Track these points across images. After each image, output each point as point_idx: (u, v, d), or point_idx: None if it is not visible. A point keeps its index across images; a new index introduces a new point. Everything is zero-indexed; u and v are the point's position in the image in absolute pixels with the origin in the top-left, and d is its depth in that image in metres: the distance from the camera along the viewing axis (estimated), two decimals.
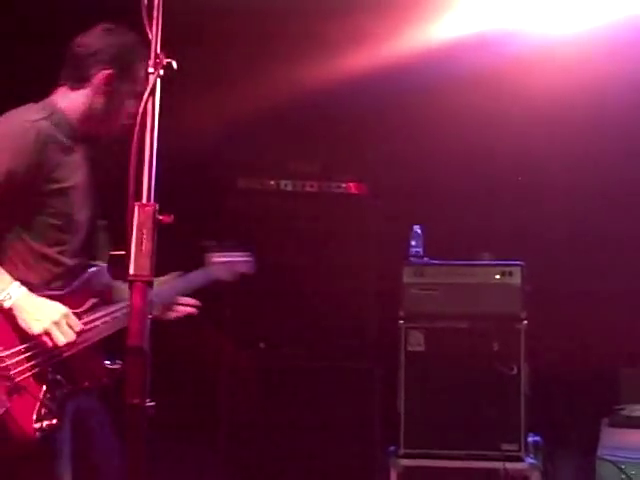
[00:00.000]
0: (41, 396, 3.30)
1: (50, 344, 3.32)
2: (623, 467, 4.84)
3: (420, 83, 5.82)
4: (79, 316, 3.42)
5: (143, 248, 2.81)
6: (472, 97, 5.94)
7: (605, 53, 5.66)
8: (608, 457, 4.92)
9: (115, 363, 3.53)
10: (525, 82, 5.87)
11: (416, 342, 5.46)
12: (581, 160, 5.91)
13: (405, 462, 5.28)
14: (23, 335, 3.31)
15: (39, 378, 3.32)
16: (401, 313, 5.49)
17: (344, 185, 6.02)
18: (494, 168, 6.07)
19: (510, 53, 5.77)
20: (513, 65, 5.76)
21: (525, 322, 5.38)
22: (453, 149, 6.09)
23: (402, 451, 5.32)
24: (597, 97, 5.75)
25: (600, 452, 4.97)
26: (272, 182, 6.03)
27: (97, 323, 3.47)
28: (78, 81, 3.51)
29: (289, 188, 6.02)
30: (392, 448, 5.37)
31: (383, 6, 5.66)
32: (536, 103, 5.89)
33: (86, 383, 3.47)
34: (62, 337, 3.33)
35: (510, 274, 5.49)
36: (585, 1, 5.70)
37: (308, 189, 6.01)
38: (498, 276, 5.49)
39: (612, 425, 5.28)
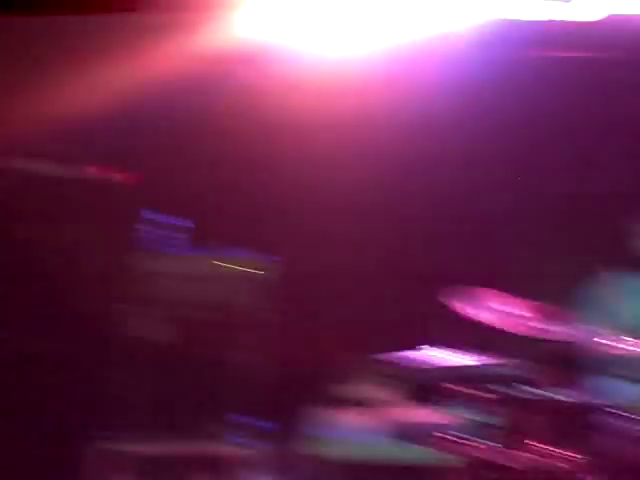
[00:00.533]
0: None
1: None
2: (342, 444, 4.93)
3: (199, 90, 5.85)
4: None
5: None
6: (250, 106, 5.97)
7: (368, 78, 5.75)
8: (326, 436, 5.00)
9: None
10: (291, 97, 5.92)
11: (148, 329, 5.43)
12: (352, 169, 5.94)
13: (112, 446, 5.21)
14: None
15: None
16: (139, 300, 5.45)
17: (99, 170, 5.96)
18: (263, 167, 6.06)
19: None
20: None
21: (264, 312, 5.47)
22: (226, 150, 6.08)
23: (110, 435, 5.24)
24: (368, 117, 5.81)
25: (320, 431, 5.03)
26: (27, 163, 5.93)
27: None
28: None
29: (43, 170, 5.93)
30: (100, 433, 5.26)
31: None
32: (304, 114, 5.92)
33: None
34: None
35: (254, 267, 5.57)
36: (364, 25, 5.77)
37: (60, 173, 5.92)
38: (235, 267, 5.56)
39: (330, 406, 5.25)
